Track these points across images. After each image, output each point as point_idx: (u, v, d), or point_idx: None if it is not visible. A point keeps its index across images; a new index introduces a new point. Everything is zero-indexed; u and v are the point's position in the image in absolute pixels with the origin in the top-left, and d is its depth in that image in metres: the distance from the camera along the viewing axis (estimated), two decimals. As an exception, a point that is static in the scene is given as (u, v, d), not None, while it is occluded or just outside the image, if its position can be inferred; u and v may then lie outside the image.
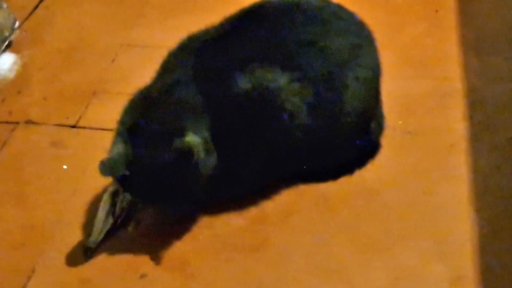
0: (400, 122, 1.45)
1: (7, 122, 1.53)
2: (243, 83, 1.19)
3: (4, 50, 1.73)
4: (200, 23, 1.32)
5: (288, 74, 1.21)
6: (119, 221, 1.26)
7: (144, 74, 1.31)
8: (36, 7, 1.91)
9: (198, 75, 1.22)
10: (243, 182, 1.27)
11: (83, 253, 1.22)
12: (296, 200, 1.31)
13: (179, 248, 1.23)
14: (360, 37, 1.30)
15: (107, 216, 1.25)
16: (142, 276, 1.19)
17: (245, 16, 1.29)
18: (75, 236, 1.26)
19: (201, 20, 1.33)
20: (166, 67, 1.28)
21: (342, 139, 1.30)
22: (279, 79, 1.20)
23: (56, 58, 1.72)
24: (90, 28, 1.82)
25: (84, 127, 1.50)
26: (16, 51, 1.75)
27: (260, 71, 1.20)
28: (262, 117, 1.21)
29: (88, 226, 1.26)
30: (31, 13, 1.88)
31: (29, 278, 1.20)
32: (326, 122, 1.25)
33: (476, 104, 1.48)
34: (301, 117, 1.22)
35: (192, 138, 1.14)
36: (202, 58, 1.24)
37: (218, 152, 1.20)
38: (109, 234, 1.24)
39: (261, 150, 1.24)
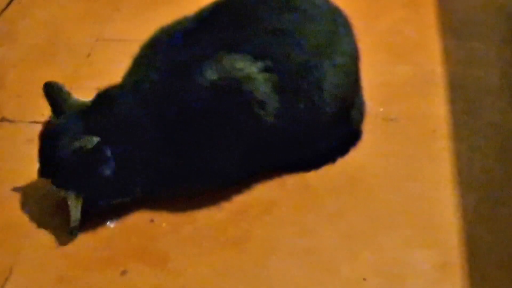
0: (381, 109, 1.44)
1: (-19, 121, 1.50)
2: (209, 73, 1.18)
3: (-24, 47, 1.71)
4: (177, 15, 1.31)
5: (258, 63, 1.19)
6: None
7: (120, 69, 1.30)
8: (10, 3, 1.88)
9: (164, 69, 1.22)
10: (220, 175, 1.26)
11: (69, 233, 1.21)
12: (278, 190, 1.29)
13: (160, 243, 1.21)
14: (336, 23, 1.28)
15: (76, 195, 1.22)
16: (123, 272, 1.17)
17: (217, 7, 1.27)
18: (52, 234, 1.23)
19: (178, 12, 1.32)
20: (136, 62, 1.28)
21: (322, 128, 1.28)
22: (249, 68, 1.18)
23: (31, 54, 1.69)
24: (65, 23, 1.79)
25: (60, 124, 1.47)
26: (-11, 49, 1.72)
27: (228, 60, 1.18)
28: (231, 108, 1.20)
29: (65, 221, 1.23)
30: (4, 9, 1.85)
31: (6, 278, 1.17)
32: (304, 111, 1.23)
33: (457, 89, 1.48)
34: (273, 107, 1.20)
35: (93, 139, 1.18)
36: (171, 51, 1.23)
37: (185, 146, 1.21)
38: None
39: (235, 142, 1.22)
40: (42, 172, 1.24)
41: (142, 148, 1.22)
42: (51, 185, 1.24)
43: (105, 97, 1.26)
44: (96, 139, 1.17)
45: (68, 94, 1.28)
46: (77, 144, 1.18)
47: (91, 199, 1.22)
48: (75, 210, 1.21)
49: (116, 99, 1.25)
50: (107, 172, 1.20)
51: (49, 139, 1.24)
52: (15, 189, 1.33)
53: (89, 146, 1.17)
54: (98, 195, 1.23)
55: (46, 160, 1.24)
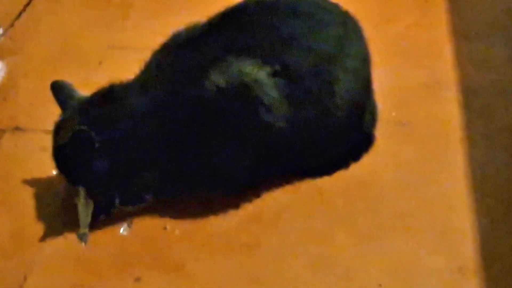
0: (393, 114, 1.44)
1: (-6, 130, 1.51)
2: (217, 78, 1.18)
3: (-12, 58, 1.72)
4: (186, 23, 1.31)
5: (267, 68, 1.19)
6: None
7: (132, 76, 1.30)
8: (21, 13, 1.89)
9: (173, 72, 1.22)
10: (230, 180, 1.26)
11: (79, 239, 1.22)
12: (291, 196, 1.29)
13: (173, 250, 1.21)
14: (346, 27, 1.28)
15: (86, 200, 1.22)
16: (137, 280, 1.17)
17: (227, 15, 1.28)
18: (66, 242, 1.23)
19: (187, 20, 1.32)
20: (146, 66, 1.29)
21: (334, 133, 1.28)
22: (257, 73, 1.18)
23: (42, 64, 1.70)
24: (76, 32, 1.80)
25: (72, 132, 1.48)
26: (1, 58, 1.72)
27: (236, 64, 1.18)
28: (238, 113, 1.19)
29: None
30: (15, 20, 1.86)
31: (21, 286, 1.17)
32: (315, 116, 1.23)
33: (469, 92, 1.47)
34: (282, 112, 1.20)
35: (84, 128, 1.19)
36: (180, 55, 1.24)
37: (192, 150, 1.21)
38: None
39: (243, 147, 1.22)
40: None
41: (143, 148, 1.22)
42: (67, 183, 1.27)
43: (107, 93, 1.27)
44: (83, 128, 1.18)
45: (75, 91, 1.31)
46: (67, 135, 1.20)
47: (99, 202, 1.22)
48: (84, 214, 1.21)
49: (118, 97, 1.25)
50: (100, 164, 1.20)
51: (53, 135, 1.27)
52: (29, 198, 1.33)
53: (75, 135, 1.18)
54: (103, 195, 1.23)
55: (54, 156, 1.26)
